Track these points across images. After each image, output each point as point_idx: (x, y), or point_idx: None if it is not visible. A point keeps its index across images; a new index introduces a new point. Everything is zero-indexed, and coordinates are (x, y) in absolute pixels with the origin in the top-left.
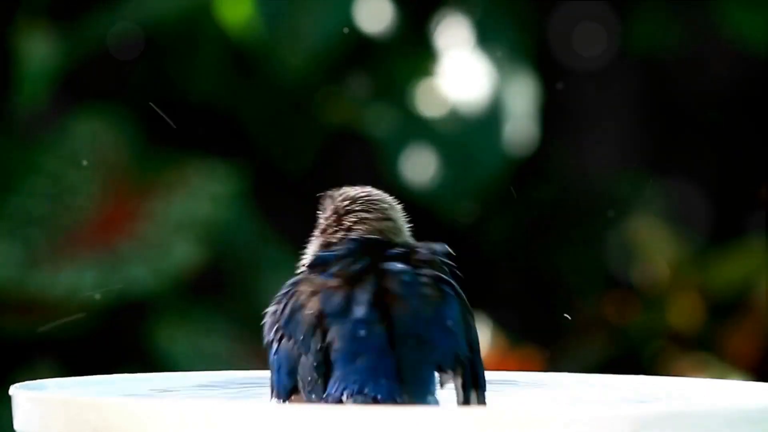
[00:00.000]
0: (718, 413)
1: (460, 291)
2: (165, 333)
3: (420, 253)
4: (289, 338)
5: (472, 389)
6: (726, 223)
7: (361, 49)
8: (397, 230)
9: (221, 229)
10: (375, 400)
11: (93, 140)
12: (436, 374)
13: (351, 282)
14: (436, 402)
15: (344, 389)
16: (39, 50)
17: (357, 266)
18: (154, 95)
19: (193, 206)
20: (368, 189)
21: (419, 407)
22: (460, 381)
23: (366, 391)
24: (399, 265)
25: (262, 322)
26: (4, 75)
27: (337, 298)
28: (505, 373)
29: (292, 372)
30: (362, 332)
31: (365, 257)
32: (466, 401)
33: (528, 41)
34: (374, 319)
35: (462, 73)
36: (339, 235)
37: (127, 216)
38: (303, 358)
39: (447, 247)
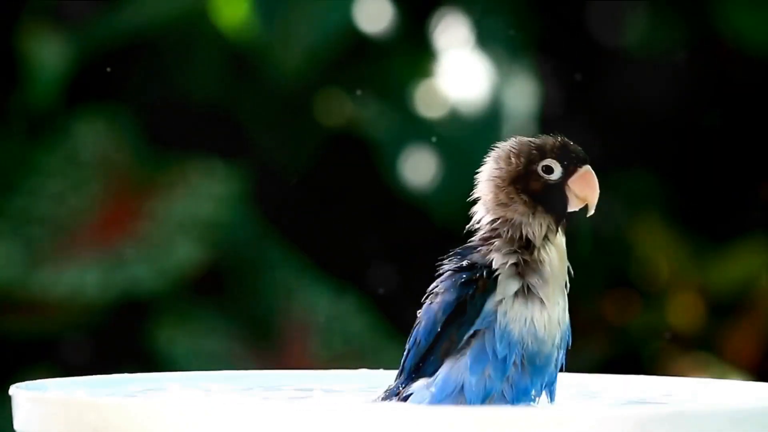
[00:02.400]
0: (718, 413)
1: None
2: (165, 333)
3: None
4: None
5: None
6: (726, 223)
7: (361, 49)
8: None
9: (222, 229)
10: None
11: (95, 140)
12: None
13: None
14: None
15: None
16: (44, 51)
17: None
18: (155, 96)
19: (193, 206)
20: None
21: (419, 407)
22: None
23: None
24: None
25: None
26: (8, 76)
27: None
28: None
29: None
30: None
31: None
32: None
33: (528, 41)
34: None
35: (462, 73)
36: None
37: (129, 216)
38: None
39: None
